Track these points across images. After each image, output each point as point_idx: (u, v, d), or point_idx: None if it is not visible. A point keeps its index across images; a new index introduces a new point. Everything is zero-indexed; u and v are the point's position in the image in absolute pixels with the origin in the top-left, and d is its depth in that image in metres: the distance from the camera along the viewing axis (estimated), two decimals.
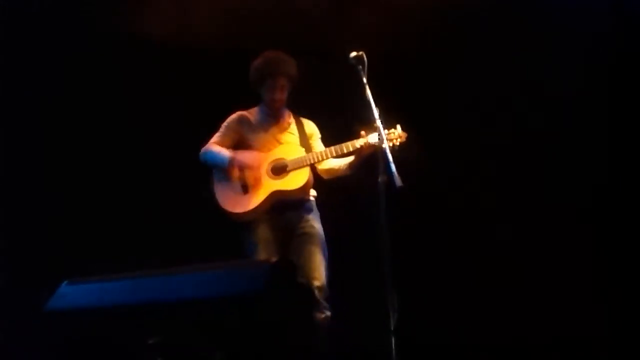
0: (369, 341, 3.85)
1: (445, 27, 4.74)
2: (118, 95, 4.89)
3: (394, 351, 3.38)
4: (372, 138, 3.84)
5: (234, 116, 4.21)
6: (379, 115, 3.65)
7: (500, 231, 4.69)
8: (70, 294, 3.19)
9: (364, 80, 3.73)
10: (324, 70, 4.58)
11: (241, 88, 4.44)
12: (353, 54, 3.83)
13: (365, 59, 3.76)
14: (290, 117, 4.22)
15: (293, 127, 4.20)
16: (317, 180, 4.18)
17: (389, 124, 3.82)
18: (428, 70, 4.75)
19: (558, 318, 4.49)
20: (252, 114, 4.21)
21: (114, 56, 4.88)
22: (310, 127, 4.24)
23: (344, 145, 3.96)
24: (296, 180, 4.01)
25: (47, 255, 4.63)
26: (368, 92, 3.70)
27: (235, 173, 4.03)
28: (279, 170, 4.03)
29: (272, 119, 4.18)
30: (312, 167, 4.10)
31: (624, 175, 4.59)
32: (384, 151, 3.54)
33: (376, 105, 3.68)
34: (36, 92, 4.85)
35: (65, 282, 3.22)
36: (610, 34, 4.66)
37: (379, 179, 3.54)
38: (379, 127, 3.62)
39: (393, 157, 3.54)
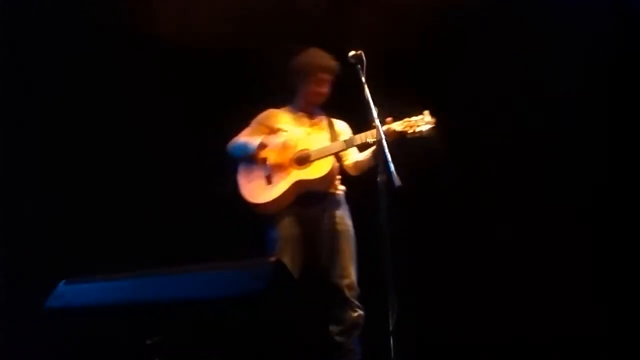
0: (368, 341, 3.86)
1: (445, 27, 4.72)
2: (117, 95, 4.88)
3: (392, 352, 3.37)
4: (397, 125, 3.80)
5: (265, 112, 4.17)
6: (377, 114, 3.66)
7: (500, 231, 4.67)
8: (68, 293, 3.18)
9: (363, 79, 3.73)
10: None
11: (241, 87, 4.46)
12: (352, 53, 3.84)
13: (364, 58, 3.77)
14: (321, 115, 4.19)
15: (324, 124, 4.15)
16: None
17: (416, 111, 3.81)
18: (428, 70, 4.74)
19: (558, 318, 4.48)
20: (284, 111, 4.18)
21: (113, 56, 4.87)
22: (341, 126, 4.18)
23: (369, 132, 3.85)
24: (319, 169, 3.93)
25: (47, 255, 4.63)
26: (367, 91, 3.70)
27: (263, 159, 3.96)
28: (303, 160, 3.97)
29: (304, 116, 4.15)
30: (340, 165, 4.07)
31: (624, 175, 4.58)
32: (382, 150, 3.53)
33: (375, 105, 3.68)
34: (36, 91, 4.85)
35: (63, 281, 3.22)
36: (610, 34, 4.65)
37: (378, 179, 3.53)
38: (377, 126, 3.61)
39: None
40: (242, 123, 4.21)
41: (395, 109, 3.85)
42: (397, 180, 3.39)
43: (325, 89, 4.10)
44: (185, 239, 4.73)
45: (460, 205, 4.74)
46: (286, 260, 3.75)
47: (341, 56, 3.90)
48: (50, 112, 4.85)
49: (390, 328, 3.39)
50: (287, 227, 3.94)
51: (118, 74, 4.86)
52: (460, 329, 4.58)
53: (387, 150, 3.52)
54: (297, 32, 4.65)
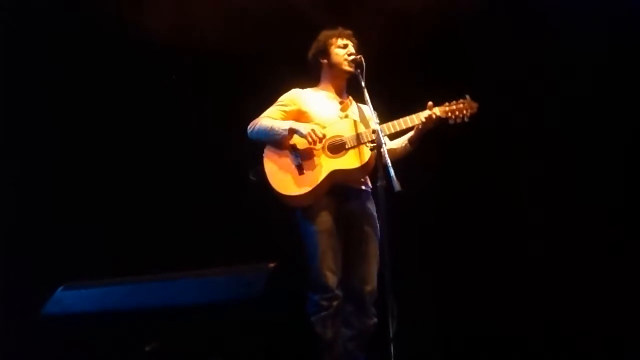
0: (369, 347, 3.84)
1: (446, 28, 4.69)
2: (117, 96, 4.87)
3: (392, 358, 3.36)
4: (439, 110, 3.71)
5: (291, 91, 3.94)
6: (377, 118, 3.65)
7: (504, 234, 4.65)
8: (67, 298, 3.17)
9: (363, 84, 3.70)
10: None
11: (239, 88, 4.43)
12: (351, 58, 3.82)
13: (364, 63, 3.74)
14: (349, 98, 4.00)
15: (353, 107, 3.96)
16: None
17: (457, 96, 3.72)
18: (429, 71, 4.71)
19: (561, 322, 4.46)
20: (310, 91, 3.97)
21: (113, 56, 4.87)
22: (368, 111, 3.80)
23: (408, 118, 3.74)
24: (357, 158, 3.72)
25: (47, 257, 4.62)
26: (367, 95, 3.68)
27: (292, 145, 3.77)
28: (338, 148, 3.76)
29: (332, 97, 3.96)
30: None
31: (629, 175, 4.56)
32: (383, 155, 3.51)
33: (375, 109, 3.66)
34: (36, 93, 4.84)
35: (62, 287, 3.21)
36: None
37: (378, 184, 3.51)
38: (377, 131, 3.58)
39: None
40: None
41: (396, 111, 3.82)
42: (397, 185, 3.35)
43: (347, 53, 3.86)
44: (185, 243, 4.72)
45: (462, 209, 4.71)
46: (330, 254, 3.70)
47: None
48: (50, 112, 4.85)
49: (391, 334, 3.36)
50: (325, 222, 3.73)
51: (118, 75, 4.86)
52: (460, 333, 4.57)
53: (386, 155, 3.50)
54: (297, 34, 4.63)
